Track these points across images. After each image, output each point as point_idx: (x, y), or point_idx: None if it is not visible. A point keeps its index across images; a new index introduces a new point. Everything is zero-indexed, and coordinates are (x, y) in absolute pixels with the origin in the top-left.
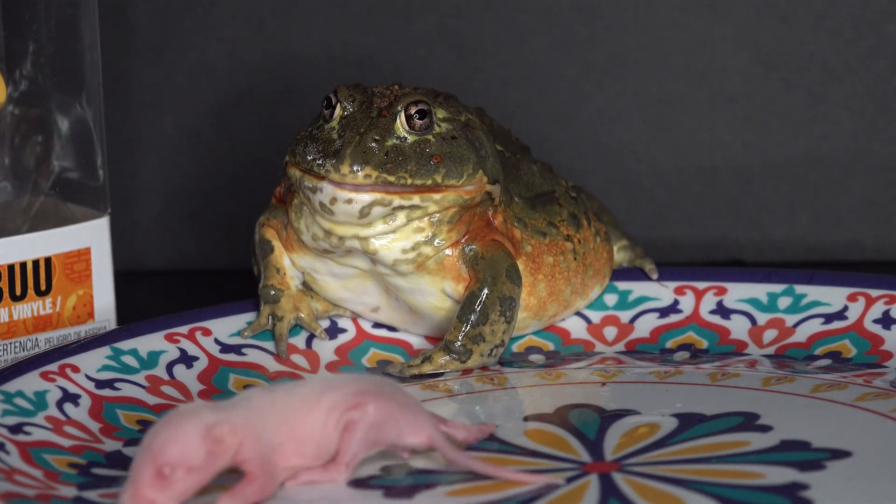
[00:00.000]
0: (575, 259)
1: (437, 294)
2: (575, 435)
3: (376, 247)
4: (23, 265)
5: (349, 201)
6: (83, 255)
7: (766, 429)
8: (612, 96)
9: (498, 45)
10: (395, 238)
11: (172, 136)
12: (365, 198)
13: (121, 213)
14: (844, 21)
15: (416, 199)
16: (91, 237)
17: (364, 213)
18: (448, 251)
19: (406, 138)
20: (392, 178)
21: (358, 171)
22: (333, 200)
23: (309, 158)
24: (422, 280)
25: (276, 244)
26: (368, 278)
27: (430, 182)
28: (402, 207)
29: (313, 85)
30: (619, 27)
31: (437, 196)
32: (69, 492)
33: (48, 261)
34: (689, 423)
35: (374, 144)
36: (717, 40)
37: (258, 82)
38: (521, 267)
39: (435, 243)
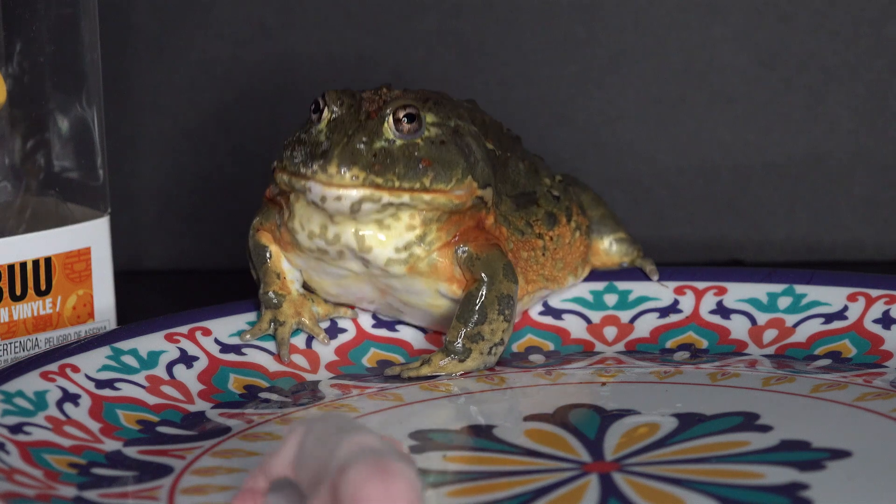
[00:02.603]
0: (544, 255)
1: (432, 293)
2: (575, 435)
3: (370, 244)
4: (23, 265)
5: (338, 198)
6: (83, 255)
7: (766, 429)
8: (612, 96)
9: (498, 45)
10: (388, 234)
11: (172, 136)
12: (354, 193)
13: (121, 213)
14: (844, 21)
15: (405, 198)
16: (91, 237)
17: (354, 208)
18: (439, 254)
19: (394, 141)
20: (380, 180)
21: (345, 172)
22: (323, 199)
23: (296, 161)
24: (415, 281)
25: (273, 248)
26: (363, 280)
27: (417, 185)
28: (391, 204)
29: (313, 85)
30: (619, 27)
31: (427, 197)
32: (69, 492)
33: (48, 261)
34: (689, 423)
35: (362, 146)
36: (717, 40)
37: (258, 82)
38: None
39: (425, 243)
